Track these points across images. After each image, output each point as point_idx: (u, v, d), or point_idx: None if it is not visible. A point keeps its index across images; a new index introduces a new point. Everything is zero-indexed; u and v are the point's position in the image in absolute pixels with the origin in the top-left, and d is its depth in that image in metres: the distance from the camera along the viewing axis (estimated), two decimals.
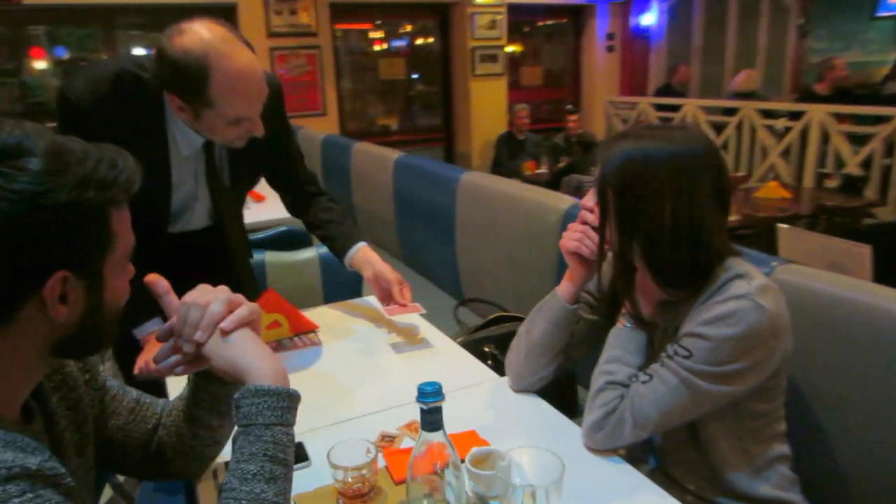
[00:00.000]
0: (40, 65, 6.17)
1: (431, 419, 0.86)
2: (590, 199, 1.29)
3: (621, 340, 1.30)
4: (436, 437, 0.88)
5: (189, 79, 1.39)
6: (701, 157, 1.18)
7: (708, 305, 1.16)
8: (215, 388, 1.03)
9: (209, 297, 0.94)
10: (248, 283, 1.83)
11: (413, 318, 1.88)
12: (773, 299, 1.15)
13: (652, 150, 1.18)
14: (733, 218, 3.94)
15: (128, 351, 1.59)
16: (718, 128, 6.47)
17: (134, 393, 1.09)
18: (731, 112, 6.36)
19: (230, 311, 0.94)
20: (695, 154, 1.18)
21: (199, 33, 1.38)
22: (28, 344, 0.77)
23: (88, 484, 0.95)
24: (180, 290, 1.60)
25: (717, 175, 1.19)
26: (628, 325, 1.31)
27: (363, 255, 1.83)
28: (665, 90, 7.11)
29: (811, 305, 1.35)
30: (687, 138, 1.20)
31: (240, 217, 1.94)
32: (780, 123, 5.88)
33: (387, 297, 1.79)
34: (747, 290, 1.13)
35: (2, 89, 6.04)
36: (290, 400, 0.90)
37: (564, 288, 1.41)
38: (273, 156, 1.75)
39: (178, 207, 1.71)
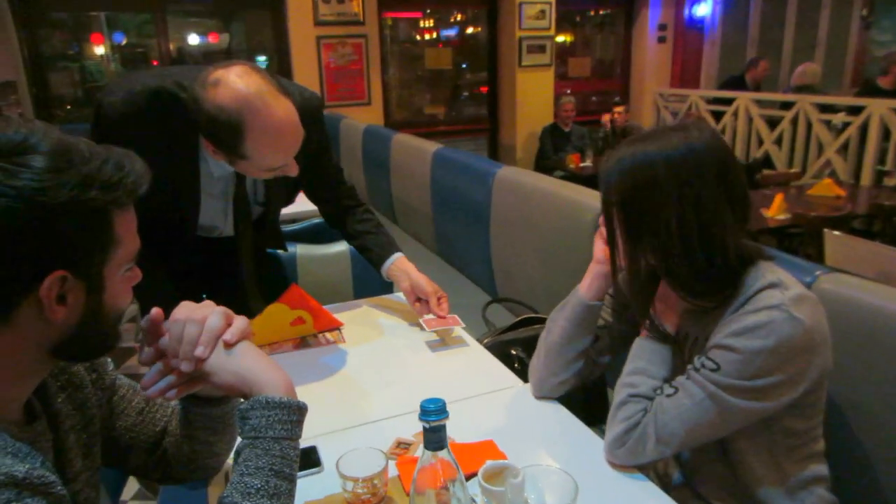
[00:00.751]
0: (99, 50, 6.34)
1: (434, 438, 0.82)
2: None
3: (645, 351, 1.25)
4: (439, 454, 0.84)
5: (223, 134, 1.38)
6: (701, 154, 1.11)
7: (738, 316, 1.10)
8: (206, 410, 1.02)
9: (204, 312, 0.91)
10: (254, 294, 1.84)
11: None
12: (810, 311, 1.07)
13: (647, 155, 1.12)
14: (783, 216, 3.82)
15: None
16: (773, 122, 6.25)
17: None
18: (786, 106, 6.13)
19: (228, 324, 0.92)
20: (694, 152, 1.11)
21: (234, 87, 1.36)
22: (26, 344, 0.75)
23: (95, 484, 0.95)
24: (209, 287, 1.59)
25: (723, 171, 1.11)
26: (662, 328, 1.25)
27: (400, 266, 1.83)
28: (735, 83, 6.84)
29: (856, 318, 1.26)
30: (686, 137, 1.12)
31: (274, 226, 1.96)
32: (839, 118, 5.65)
33: (423, 309, 1.78)
34: (781, 300, 1.06)
35: (63, 74, 6.21)
36: (299, 413, 0.88)
37: (585, 284, 1.36)
38: (311, 173, 1.74)
39: (207, 221, 1.73)
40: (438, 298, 1.77)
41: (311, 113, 1.61)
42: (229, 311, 0.94)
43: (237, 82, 1.36)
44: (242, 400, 0.88)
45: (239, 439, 0.86)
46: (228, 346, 0.90)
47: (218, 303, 0.95)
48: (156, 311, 0.93)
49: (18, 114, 5.87)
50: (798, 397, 1.10)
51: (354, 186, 1.97)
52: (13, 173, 0.69)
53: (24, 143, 0.72)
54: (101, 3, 6.08)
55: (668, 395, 1.15)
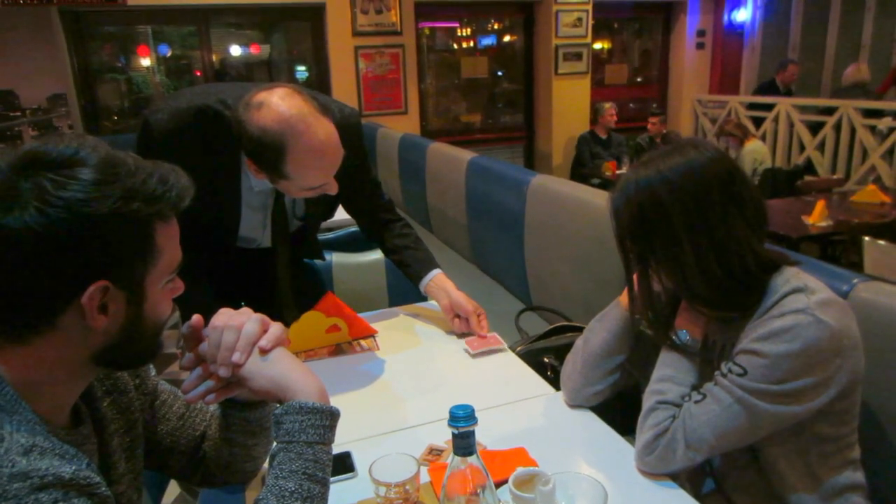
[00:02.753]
0: (145, 62, 6.55)
1: (463, 444, 0.84)
2: None
3: (672, 359, 1.25)
4: (468, 460, 0.85)
5: (266, 155, 1.43)
6: (700, 171, 1.12)
7: (763, 320, 1.10)
8: (244, 414, 1.04)
9: (241, 319, 0.94)
10: (288, 304, 1.87)
11: None
12: (837, 314, 1.07)
13: (648, 181, 1.14)
14: (825, 223, 3.75)
15: None
16: (814, 128, 6.14)
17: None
18: (829, 111, 6.02)
19: (264, 331, 0.95)
20: (693, 170, 1.12)
21: (277, 110, 1.40)
22: (70, 350, 0.79)
23: (138, 486, 0.99)
24: (245, 296, 1.62)
25: (727, 183, 1.13)
26: (679, 343, 1.25)
27: (439, 283, 1.84)
28: (768, 88, 6.76)
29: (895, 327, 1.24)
30: (683, 157, 1.14)
31: (313, 238, 1.99)
32: (885, 123, 5.51)
33: (462, 325, 1.79)
34: (806, 304, 1.06)
35: (110, 85, 6.44)
36: (331, 418, 0.91)
37: (627, 297, 1.36)
38: (350, 187, 1.77)
39: (246, 233, 1.77)
40: (479, 317, 1.78)
41: (351, 129, 1.64)
42: (266, 318, 0.97)
43: (280, 105, 1.40)
44: (278, 405, 0.91)
45: (274, 443, 0.89)
46: (264, 352, 0.93)
47: (255, 310, 0.99)
48: (196, 317, 0.96)
49: (68, 126, 6.07)
50: (828, 402, 1.09)
51: (392, 201, 1.99)
52: (62, 185, 0.73)
53: (75, 156, 0.75)
54: (149, 17, 6.26)
55: (697, 402, 1.15)
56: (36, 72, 6.21)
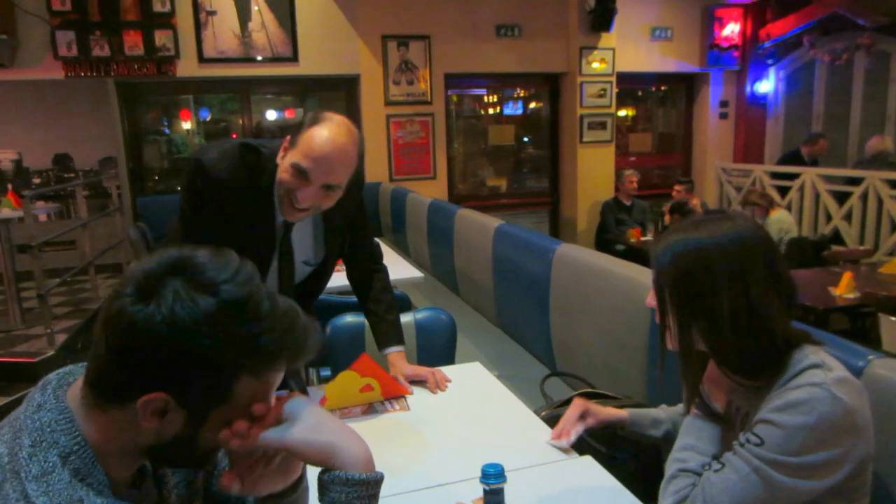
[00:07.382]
0: (186, 125, 6.92)
1: (494, 500, 0.91)
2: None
3: (695, 428, 1.30)
4: None
5: (299, 126, 1.68)
6: (749, 243, 1.19)
7: (781, 392, 1.15)
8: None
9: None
10: None
11: (498, 387, 1.95)
12: (853, 393, 1.12)
13: (700, 242, 1.20)
14: (852, 295, 3.74)
15: None
16: (841, 198, 6.18)
17: None
18: (854, 182, 6.06)
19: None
20: (743, 240, 1.19)
21: (326, 112, 1.71)
22: (129, 433, 0.84)
23: None
24: None
25: (770, 259, 1.19)
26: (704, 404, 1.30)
27: (392, 361, 2.03)
28: (792, 159, 6.84)
29: None
30: (735, 228, 1.21)
31: (318, 288, 2.12)
32: None
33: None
34: (823, 379, 1.11)
35: (152, 146, 6.81)
36: (376, 486, 0.93)
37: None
38: (350, 233, 2.01)
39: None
40: (435, 378, 1.97)
41: (354, 180, 1.80)
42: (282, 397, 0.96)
43: (331, 112, 1.71)
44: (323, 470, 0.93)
45: None
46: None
47: None
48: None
49: (116, 187, 6.33)
50: (841, 480, 1.13)
51: (380, 246, 2.19)
52: (183, 298, 0.78)
53: (214, 281, 0.80)
54: (197, 88, 6.65)
55: (716, 471, 1.19)
56: (90, 137, 6.57)
